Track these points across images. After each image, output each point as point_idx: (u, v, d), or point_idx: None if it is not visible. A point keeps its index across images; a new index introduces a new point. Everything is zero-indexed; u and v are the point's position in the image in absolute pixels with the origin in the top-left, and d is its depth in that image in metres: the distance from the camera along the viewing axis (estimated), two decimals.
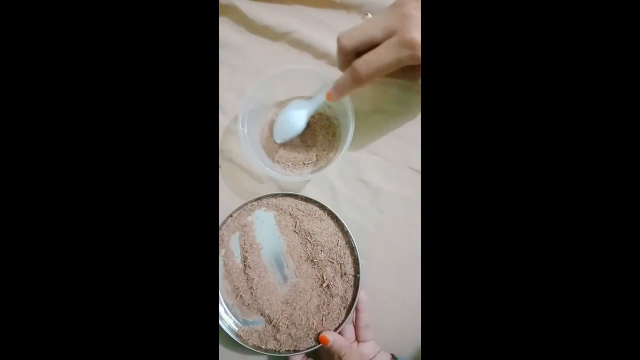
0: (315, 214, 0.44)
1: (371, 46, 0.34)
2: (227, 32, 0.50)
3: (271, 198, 0.45)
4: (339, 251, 0.43)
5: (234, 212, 0.45)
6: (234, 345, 0.43)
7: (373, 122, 0.46)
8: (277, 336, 0.42)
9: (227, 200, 0.46)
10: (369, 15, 0.36)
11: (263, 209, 0.45)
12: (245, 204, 0.45)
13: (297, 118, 0.43)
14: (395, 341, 0.43)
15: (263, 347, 0.43)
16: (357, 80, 0.35)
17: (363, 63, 0.34)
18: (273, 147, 0.47)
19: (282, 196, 0.45)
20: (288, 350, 0.42)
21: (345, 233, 0.44)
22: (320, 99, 0.42)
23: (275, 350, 0.42)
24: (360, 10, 0.47)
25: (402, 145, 0.46)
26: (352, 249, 0.43)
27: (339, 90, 0.38)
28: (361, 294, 0.42)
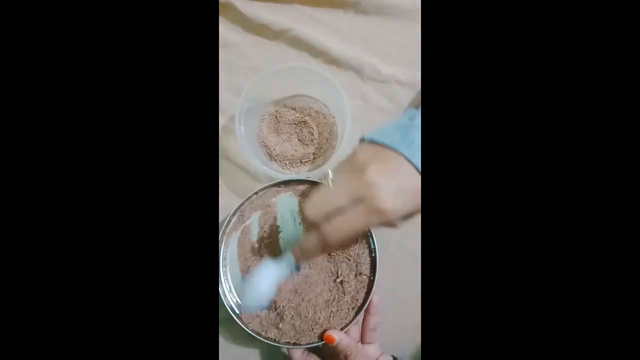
0: None
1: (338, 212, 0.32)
2: (225, 30, 0.50)
3: (299, 184, 0.44)
4: (357, 250, 0.42)
5: (260, 190, 0.43)
6: (231, 330, 0.41)
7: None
8: (280, 325, 0.40)
9: (224, 199, 0.45)
10: (330, 175, 0.34)
11: (289, 193, 0.44)
12: (272, 185, 0.44)
13: (267, 286, 0.38)
14: (395, 341, 0.42)
15: (263, 334, 0.41)
16: (326, 248, 0.34)
17: (332, 230, 0.31)
18: (270, 146, 0.47)
19: (309, 184, 0.44)
20: (288, 342, 0.40)
21: (365, 233, 0.43)
22: (289, 261, 0.38)
23: (275, 340, 0.40)
24: (357, 10, 0.48)
25: None
26: (371, 251, 0.42)
27: (307, 255, 0.36)
28: (374, 298, 0.41)
